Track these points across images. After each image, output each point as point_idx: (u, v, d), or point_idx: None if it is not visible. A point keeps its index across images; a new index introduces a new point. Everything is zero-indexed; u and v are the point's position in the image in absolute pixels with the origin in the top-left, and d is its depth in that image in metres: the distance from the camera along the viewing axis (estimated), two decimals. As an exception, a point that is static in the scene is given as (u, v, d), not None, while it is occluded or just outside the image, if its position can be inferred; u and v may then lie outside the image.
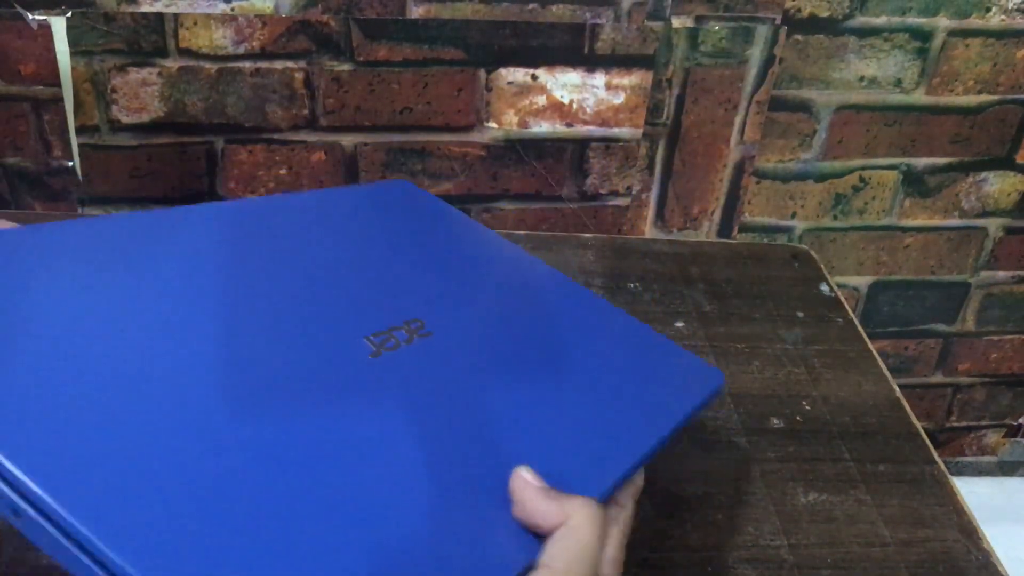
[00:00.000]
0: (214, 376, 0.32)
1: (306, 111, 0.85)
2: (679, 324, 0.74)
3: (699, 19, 0.85)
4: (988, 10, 0.87)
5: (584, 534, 0.33)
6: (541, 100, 0.87)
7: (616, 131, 0.90)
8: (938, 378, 1.12)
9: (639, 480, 0.40)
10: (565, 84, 0.87)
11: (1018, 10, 0.87)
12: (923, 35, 0.88)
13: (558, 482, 0.35)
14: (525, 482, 0.34)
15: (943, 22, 0.87)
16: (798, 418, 0.65)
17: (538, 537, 0.33)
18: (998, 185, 0.98)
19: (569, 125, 0.89)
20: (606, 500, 0.37)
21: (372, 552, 0.29)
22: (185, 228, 0.40)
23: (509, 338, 0.43)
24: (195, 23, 0.80)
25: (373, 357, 0.36)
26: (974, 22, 0.88)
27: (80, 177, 0.86)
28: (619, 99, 0.88)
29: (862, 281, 1.03)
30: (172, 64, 0.81)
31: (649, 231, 0.96)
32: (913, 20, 0.87)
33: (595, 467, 0.38)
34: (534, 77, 0.86)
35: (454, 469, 0.34)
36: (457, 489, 0.33)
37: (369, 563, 0.29)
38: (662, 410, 0.43)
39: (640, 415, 0.42)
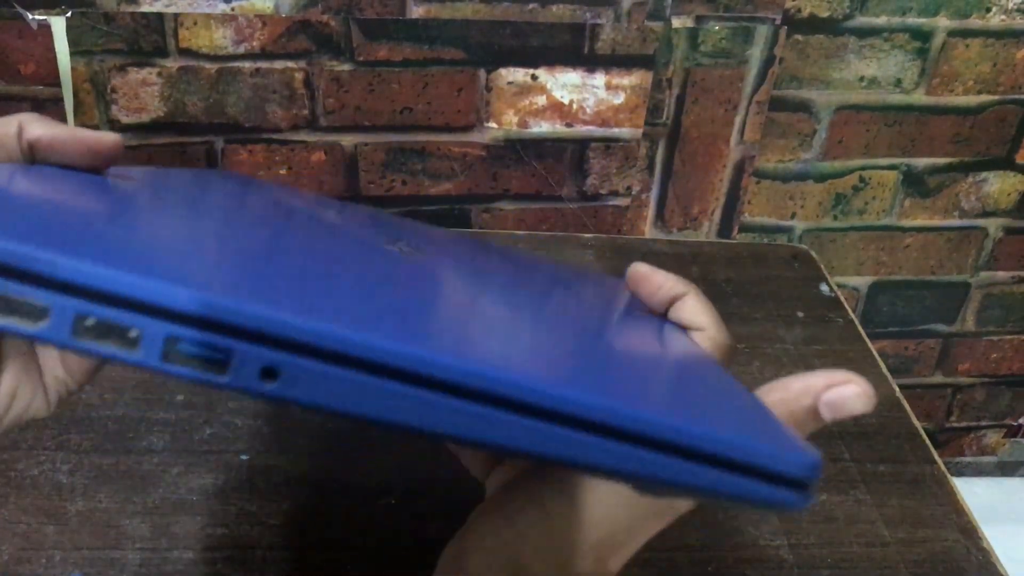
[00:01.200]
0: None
1: (306, 111, 0.85)
2: (679, 324, 0.73)
3: (699, 19, 0.85)
4: (988, 10, 0.87)
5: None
6: (541, 100, 0.87)
7: (616, 131, 0.90)
8: (938, 378, 1.12)
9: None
10: (565, 84, 0.87)
11: (1018, 10, 0.87)
12: (923, 35, 0.88)
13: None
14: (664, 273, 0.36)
15: (943, 22, 0.87)
16: (798, 418, 0.65)
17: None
18: (998, 185, 0.98)
19: (569, 125, 0.89)
20: None
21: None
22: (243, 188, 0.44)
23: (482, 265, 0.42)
24: (195, 23, 0.80)
25: (405, 256, 0.35)
26: (974, 22, 0.88)
27: (80, 177, 0.86)
28: (619, 99, 0.88)
29: (862, 281, 1.03)
30: (172, 64, 0.81)
31: (649, 231, 0.96)
32: (913, 20, 0.87)
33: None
34: (534, 77, 0.86)
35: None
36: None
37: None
38: None
39: None
